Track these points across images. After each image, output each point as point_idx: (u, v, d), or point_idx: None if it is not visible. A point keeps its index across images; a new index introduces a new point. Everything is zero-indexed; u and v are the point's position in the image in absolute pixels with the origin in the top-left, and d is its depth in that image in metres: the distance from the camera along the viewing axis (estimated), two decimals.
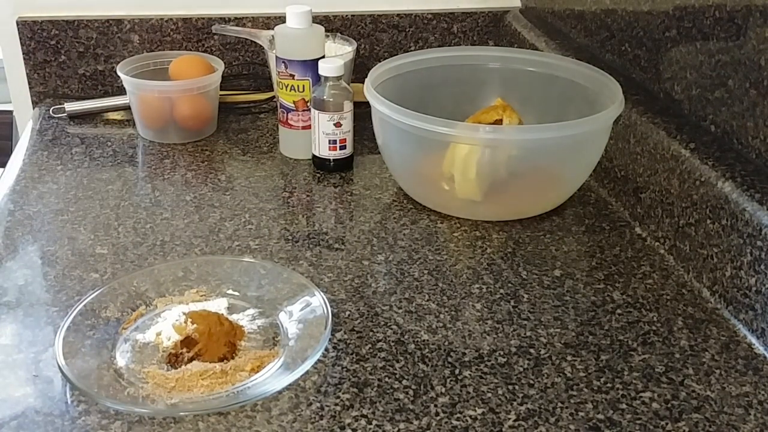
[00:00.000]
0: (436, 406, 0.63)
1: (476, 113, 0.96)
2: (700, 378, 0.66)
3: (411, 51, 1.16)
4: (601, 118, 0.85)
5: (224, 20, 1.27)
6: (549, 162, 0.89)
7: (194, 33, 1.27)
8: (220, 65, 1.12)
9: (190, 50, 1.26)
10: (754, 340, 0.71)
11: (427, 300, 0.76)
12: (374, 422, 0.61)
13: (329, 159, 1.01)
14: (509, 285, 0.79)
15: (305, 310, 0.72)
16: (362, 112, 0.97)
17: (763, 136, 0.74)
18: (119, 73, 1.09)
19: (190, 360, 0.67)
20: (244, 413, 0.61)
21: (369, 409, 0.62)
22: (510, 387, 0.65)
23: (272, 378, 0.65)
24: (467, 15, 1.34)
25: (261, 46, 1.22)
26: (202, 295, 0.75)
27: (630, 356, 0.69)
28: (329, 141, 0.99)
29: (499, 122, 0.93)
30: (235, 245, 0.85)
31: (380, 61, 0.99)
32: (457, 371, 0.67)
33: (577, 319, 0.74)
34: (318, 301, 0.72)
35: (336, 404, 0.63)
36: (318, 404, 0.63)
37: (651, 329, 0.73)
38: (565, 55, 1.08)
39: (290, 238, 0.87)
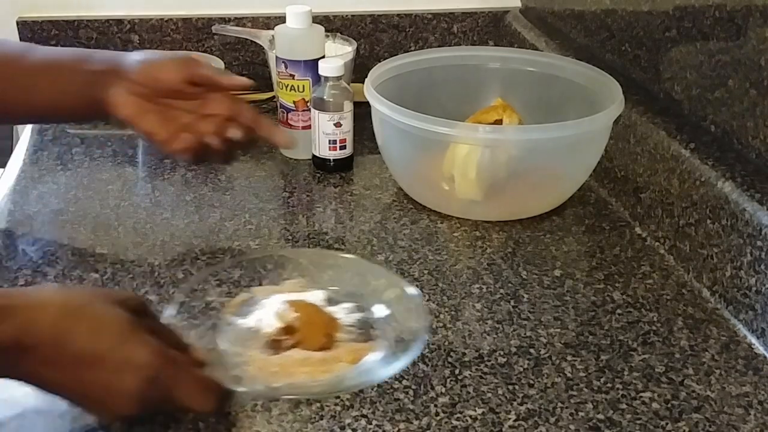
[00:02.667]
0: (436, 406, 0.63)
1: (476, 113, 0.96)
2: (700, 378, 0.66)
3: (411, 51, 1.16)
4: (601, 118, 0.85)
5: (224, 20, 1.27)
6: (549, 162, 0.89)
7: (194, 33, 1.27)
8: (220, 65, 1.12)
9: (190, 50, 1.26)
10: (754, 340, 0.71)
11: (427, 300, 0.76)
12: (374, 422, 0.61)
13: (329, 159, 1.01)
14: (509, 285, 0.79)
15: (399, 305, 0.72)
16: (362, 112, 0.97)
17: (763, 136, 0.74)
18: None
19: (291, 347, 0.67)
20: (244, 413, 0.61)
21: (369, 409, 0.62)
22: (510, 387, 0.65)
23: (372, 370, 0.65)
24: (467, 15, 1.34)
25: (261, 46, 1.22)
26: (299, 287, 0.75)
27: (630, 356, 0.69)
28: (329, 141, 0.99)
29: (499, 122, 0.93)
30: (236, 245, 0.85)
31: (380, 61, 0.99)
32: (457, 371, 0.67)
33: (577, 319, 0.74)
34: (412, 295, 0.72)
35: (336, 404, 0.63)
36: (318, 404, 0.62)
37: (651, 329, 0.73)
38: (565, 55, 1.08)
39: (290, 238, 0.87)
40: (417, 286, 0.78)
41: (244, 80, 0.80)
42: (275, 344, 0.68)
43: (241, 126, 0.80)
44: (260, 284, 0.75)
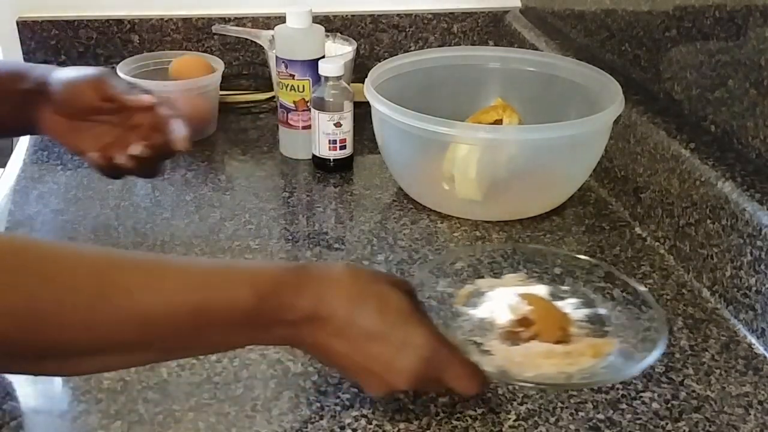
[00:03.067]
0: (436, 406, 0.63)
1: (476, 113, 0.96)
2: (700, 378, 0.66)
3: (411, 51, 1.16)
4: (601, 118, 0.85)
5: (224, 20, 1.27)
6: (549, 162, 0.89)
7: (194, 33, 1.27)
8: (220, 65, 1.12)
9: (190, 50, 1.26)
10: (754, 340, 0.71)
11: (427, 298, 0.76)
12: (374, 422, 0.61)
13: (329, 159, 1.01)
14: None
15: (629, 302, 0.72)
16: (362, 112, 0.97)
17: (763, 136, 0.74)
18: (119, 73, 1.08)
19: (529, 339, 0.68)
20: (244, 413, 0.61)
21: (369, 409, 0.62)
22: (510, 387, 0.65)
23: (618, 366, 0.65)
24: (467, 15, 1.34)
25: (261, 46, 1.23)
26: (520, 281, 0.76)
27: None
28: (329, 141, 0.99)
29: (499, 122, 0.93)
30: (235, 245, 0.85)
31: (380, 61, 0.99)
32: None
33: None
34: (642, 293, 0.72)
35: (336, 404, 0.63)
36: (318, 404, 0.63)
37: None
38: (565, 55, 1.08)
39: (290, 238, 0.87)
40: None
41: (148, 99, 0.79)
42: (512, 336, 0.69)
43: (162, 133, 0.79)
44: (482, 277, 0.77)
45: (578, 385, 0.65)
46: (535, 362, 0.66)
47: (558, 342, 0.68)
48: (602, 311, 0.72)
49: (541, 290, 0.75)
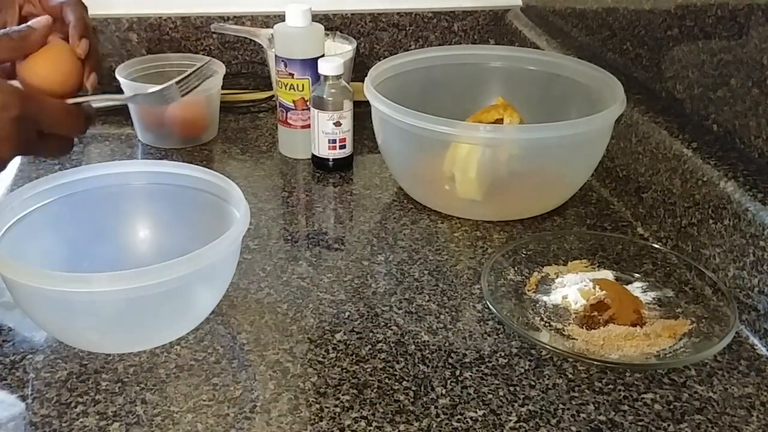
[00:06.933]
0: (436, 407, 0.62)
1: (477, 112, 0.95)
2: (703, 379, 0.66)
3: (411, 50, 1.16)
4: (602, 118, 0.85)
5: (223, 19, 1.26)
6: (550, 161, 0.89)
7: (193, 32, 1.26)
8: (221, 68, 1.10)
9: (189, 49, 1.26)
10: (756, 341, 0.70)
11: (428, 300, 0.76)
12: (374, 423, 0.61)
13: (329, 158, 1.00)
14: None
15: (694, 285, 0.74)
16: (362, 111, 0.97)
17: (766, 136, 0.74)
18: (118, 77, 1.07)
19: (606, 323, 0.70)
20: (243, 414, 0.61)
21: (369, 410, 0.62)
22: (511, 388, 0.64)
23: (697, 345, 0.67)
24: (468, 13, 1.34)
25: (260, 44, 1.22)
26: (585, 266, 0.79)
27: None
28: (329, 140, 0.99)
29: (499, 121, 0.93)
30: None
31: (380, 60, 0.99)
32: (457, 372, 0.66)
33: None
34: (706, 275, 0.74)
35: (336, 405, 0.62)
36: (317, 405, 0.62)
37: None
38: (567, 54, 1.07)
39: (290, 238, 0.87)
40: (416, 286, 0.77)
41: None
42: (589, 320, 0.71)
43: None
44: (548, 264, 0.79)
45: (665, 365, 0.66)
46: (617, 344, 0.68)
47: (633, 324, 0.70)
48: (670, 294, 0.74)
49: (608, 275, 0.77)
